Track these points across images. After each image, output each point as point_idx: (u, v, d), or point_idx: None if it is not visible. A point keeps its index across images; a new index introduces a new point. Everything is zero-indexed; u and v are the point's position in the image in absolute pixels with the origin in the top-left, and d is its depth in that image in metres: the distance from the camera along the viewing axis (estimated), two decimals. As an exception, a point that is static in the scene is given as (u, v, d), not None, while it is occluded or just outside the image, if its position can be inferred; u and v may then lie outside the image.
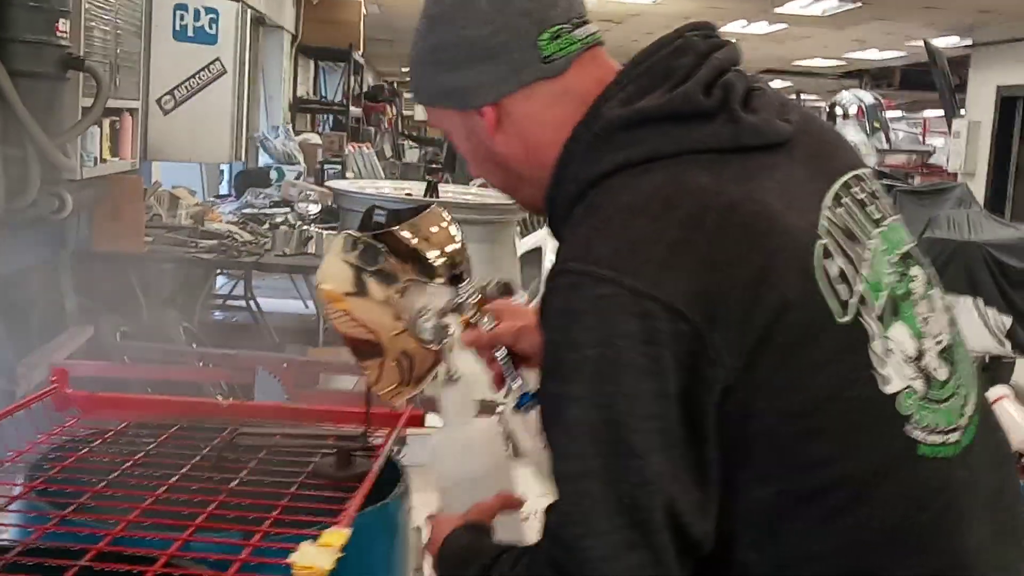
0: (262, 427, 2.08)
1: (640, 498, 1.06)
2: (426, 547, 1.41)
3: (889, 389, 1.14)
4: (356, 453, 1.90)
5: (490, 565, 1.23)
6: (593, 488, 1.07)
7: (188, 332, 4.76)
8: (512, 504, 1.45)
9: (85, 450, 1.95)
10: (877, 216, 1.24)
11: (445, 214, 1.85)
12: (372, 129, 15.17)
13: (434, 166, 22.54)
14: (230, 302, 7.25)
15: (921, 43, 13.69)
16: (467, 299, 1.53)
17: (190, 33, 5.75)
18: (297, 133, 12.35)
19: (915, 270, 1.23)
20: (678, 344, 1.06)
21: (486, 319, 1.50)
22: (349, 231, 1.76)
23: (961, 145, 13.43)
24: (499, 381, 1.50)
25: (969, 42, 13.64)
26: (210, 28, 5.80)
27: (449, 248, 1.81)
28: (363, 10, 13.02)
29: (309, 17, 12.11)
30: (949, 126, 13.89)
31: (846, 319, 1.12)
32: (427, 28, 1.28)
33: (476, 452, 1.48)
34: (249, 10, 6.09)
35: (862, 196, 1.23)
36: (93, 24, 4.47)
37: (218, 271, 6.43)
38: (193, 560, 1.49)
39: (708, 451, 1.10)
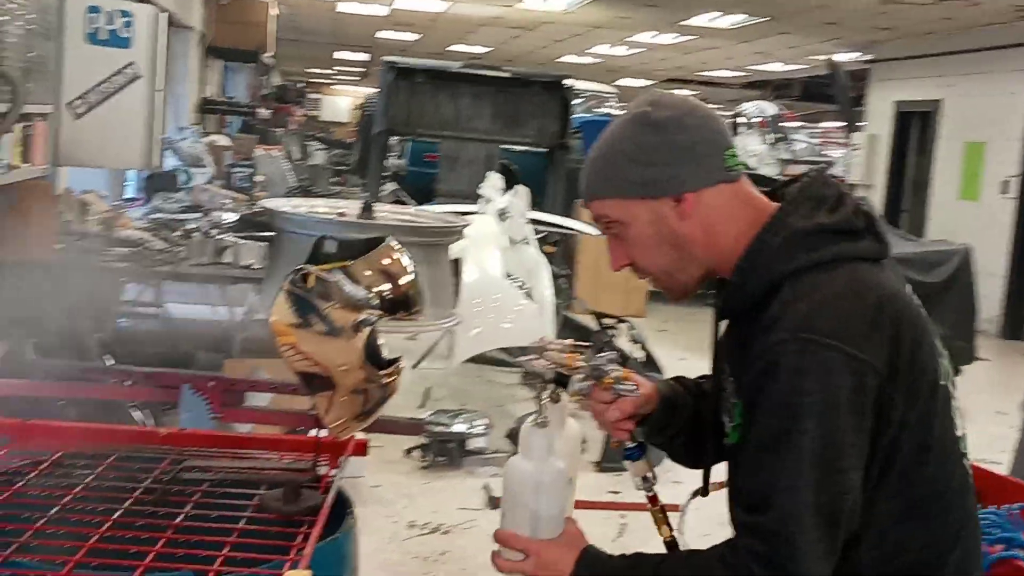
0: (204, 458, 2.05)
1: (838, 503, 1.47)
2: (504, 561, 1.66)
3: (959, 433, 1.62)
4: (304, 485, 1.89)
5: (657, 567, 1.56)
6: (807, 496, 1.45)
7: (103, 344, 4.64)
8: None
9: (20, 483, 1.90)
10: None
11: (396, 245, 1.85)
12: (279, 131, 14.98)
13: (340, 168, 22.31)
14: (139, 308, 7.09)
15: (823, 57, 14.03)
16: (610, 367, 1.75)
17: (103, 36, 5.60)
18: (204, 135, 12.14)
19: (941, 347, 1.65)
20: (876, 393, 1.48)
21: (629, 386, 1.75)
22: (301, 265, 1.75)
23: (861, 157, 13.81)
24: (625, 436, 1.78)
25: (869, 57, 14.03)
26: (124, 31, 5.66)
27: (403, 280, 1.82)
28: (273, 11, 12.86)
29: (219, 18, 11.91)
30: (848, 139, 14.25)
31: (943, 382, 1.59)
32: (635, 132, 1.63)
33: (547, 491, 1.68)
34: (166, 13, 5.93)
35: None
36: (5, 28, 4.34)
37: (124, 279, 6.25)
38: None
39: (874, 470, 1.51)
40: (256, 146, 12.43)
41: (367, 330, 1.75)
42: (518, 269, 5.71)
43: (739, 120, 14.61)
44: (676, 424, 1.82)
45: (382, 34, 16.92)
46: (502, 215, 5.90)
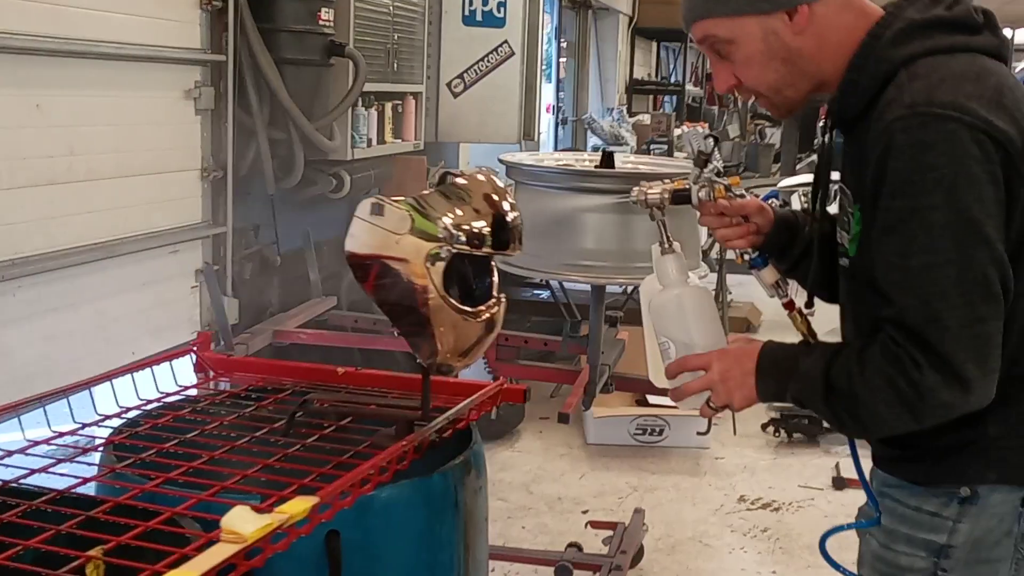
0: (352, 394, 2.09)
1: (989, 274, 1.43)
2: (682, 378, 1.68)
3: None
4: (423, 425, 1.86)
5: (832, 356, 1.53)
6: (951, 272, 1.42)
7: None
8: None
9: (187, 410, 2.04)
10: None
11: (492, 178, 1.78)
12: (714, 108, 14.91)
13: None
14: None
15: None
16: (719, 178, 1.77)
17: (479, 18, 5.90)
18: (633, 114, 12.37)
19: None
20: (1004, 165, 1.43)
21: (740, 191, 1.78)
22: (377, 196, 1.73)
23: None
24: (752, 242, 1.79)
25: None
26: (498, 12, 5.92)
27: (488, 212, 1.74)
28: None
29: (645, -1, 12.10)
30: None
31: None
32: None
33: (697, 310, 1.72)
34: (538, -9, 6.12)
35: None
36: (364, 12, 4.68)
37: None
38: (193, 519, 1.52)
39: (1012, 245, 1.47)
40: (685, 124, 12.50)
41: (444, 262, 1.69)
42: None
43: None
44: (799, 245, 1.80)
45: None
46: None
